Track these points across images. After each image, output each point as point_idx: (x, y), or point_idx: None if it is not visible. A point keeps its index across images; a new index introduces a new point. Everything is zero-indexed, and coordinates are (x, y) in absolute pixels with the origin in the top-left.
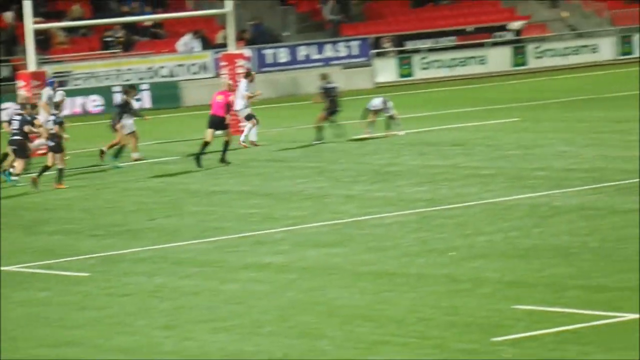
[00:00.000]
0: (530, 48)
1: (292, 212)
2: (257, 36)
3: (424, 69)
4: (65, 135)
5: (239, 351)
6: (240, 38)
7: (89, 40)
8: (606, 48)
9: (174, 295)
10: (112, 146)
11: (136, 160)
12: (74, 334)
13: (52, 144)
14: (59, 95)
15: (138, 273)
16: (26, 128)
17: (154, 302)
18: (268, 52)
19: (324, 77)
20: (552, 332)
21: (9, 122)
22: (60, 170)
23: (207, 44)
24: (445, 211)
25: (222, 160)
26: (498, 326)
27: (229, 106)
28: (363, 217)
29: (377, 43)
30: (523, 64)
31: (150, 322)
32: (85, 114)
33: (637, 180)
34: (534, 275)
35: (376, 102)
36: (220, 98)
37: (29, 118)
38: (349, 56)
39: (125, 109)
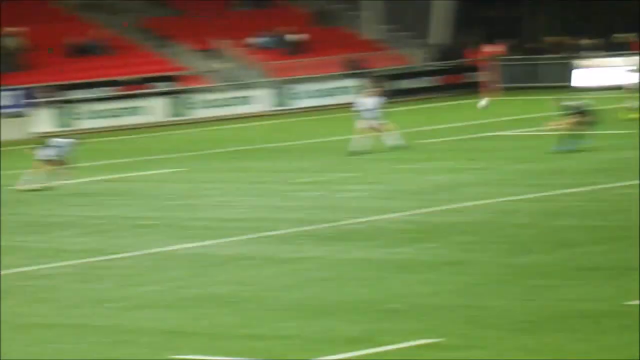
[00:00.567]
0: (187, 99)
1: None
2: None
3: (83, 119)
4: None
5: None
6: None
7: None
8: (262, 99)
9: None
10: None
11: None
12: None
13: None
14: None
15: None
16: None
17: None
18: None
19: None
20: None
21: None
22: None
23: None
24: (107, 262)
25: None
26: None
27: None
28: (25, 269)
29: (34, 93)
30: (181, 115)
31: None
32: None
33: (296, 229)
34: (196, 325)
35: (48, 151)
36: None
37: None
38: (4, 106)
39: None
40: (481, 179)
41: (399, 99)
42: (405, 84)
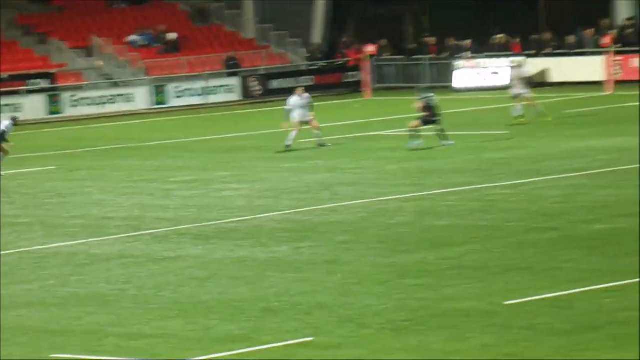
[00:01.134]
0: (65, 96)
1: None
2: None
3: None
4: None
5: None
6: None
7: None
8: (141, 97)
9: None
10: None
11: None
12: None
13: None
14: None
15: None
16: None
17: None
18: None
19: None
20: None
21: None
22: None
23: None
24: None
25: None
26: None
27: None
28: None
29: None
30: (58, 112)
31: None
32: None
33: (175, 228)
34: (75, 323)
35: None
36: None
37: None
38: None
39: None
40: (359, 179)
41: (278, 98)
42: (285, 82)
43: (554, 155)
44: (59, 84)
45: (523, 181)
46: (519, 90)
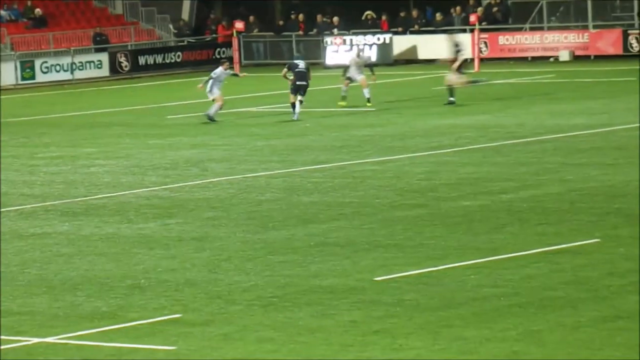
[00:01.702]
0: None
1: None
2: None
3: None
4: None
5: None
6: None
7: None
8: (8, 73)
9: None
10: None
11: None
12: None
13: None
14: None
15: None
16: None
17: None
18: None
19: None
20: None
21: None
22: None
23: None
24: None
25: None
26: None
27: None
28: None
29: None
30: None
31: None
32: None
33: (42, 204)
34: None
35: None
36: None
37: None
38: None
39: None
40: (228, 155)
41: (148, 74)
42: (153, 59)
43: (421, 132)
44: None
45: (390, 158)
46: (353, 74)
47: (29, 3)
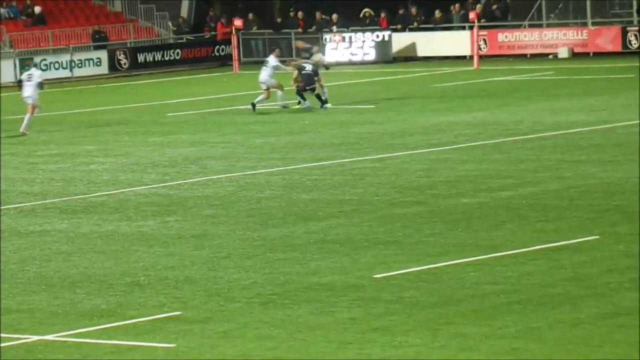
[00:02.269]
0: None
1: None
2: None
3: None
4: None
5: None
6: None
7: None
8: (6, 70)
9: None
10: None
11: None
12: None
13: None
14: None
15: None
16: None
17: None
18: None
19: None
20: None
21: None
22: None
23: None
24: None
25: None
26: None
27: None
28: None
29: None
30: None
31: None
32: None
33: (41, 202)
34: None
35: None
36: None
37: None
38: None
39: None
40: (227, 153)
41: (147, 72)
42: (152, 56)
43: (421, 129)
44: None
45: (389, 155)
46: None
47: (28, 1)
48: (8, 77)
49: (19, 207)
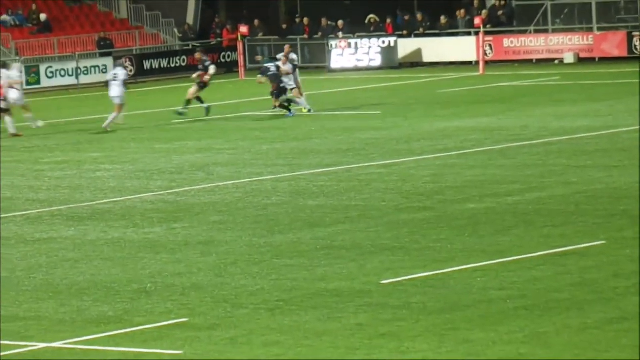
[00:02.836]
0: None
1: None
2: None
3: None
4: None
5: None
6: None
7: None
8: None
9: None
10: None
11: None
12: None
13: None
14: None
15: None
16: None
17: None
18: None
19: None
20: None
21: None
22: None
23: None
24: None
25: None
26: None
27: None
28: None
29: None
30: None
31: None
32: None
33: (48, 209)
34: None
35: None
36: None
37: None
38: None
39: None
40: (233, 159)
41: (153, 78)
42: (159, 63)
43: (426, 135)
44: None
45: (396, 161)
46: (287, 81)
47: (34, 8)
48: None
49: (25, 214)
